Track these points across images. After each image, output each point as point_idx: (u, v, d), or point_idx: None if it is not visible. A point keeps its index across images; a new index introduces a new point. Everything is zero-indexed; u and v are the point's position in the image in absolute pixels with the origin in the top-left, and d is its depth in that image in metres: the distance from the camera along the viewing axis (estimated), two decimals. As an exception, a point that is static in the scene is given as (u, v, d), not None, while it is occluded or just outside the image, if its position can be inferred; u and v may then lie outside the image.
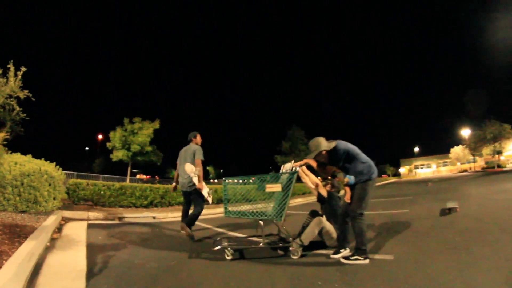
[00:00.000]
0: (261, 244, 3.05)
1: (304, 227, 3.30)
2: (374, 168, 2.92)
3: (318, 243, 3.23)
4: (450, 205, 4.99)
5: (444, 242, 3.09)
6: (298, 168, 3.10)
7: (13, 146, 6.46)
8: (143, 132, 21.94)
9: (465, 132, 41.52)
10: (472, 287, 1.90)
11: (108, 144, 22.52)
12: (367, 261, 2.60)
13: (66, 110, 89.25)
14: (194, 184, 4.07)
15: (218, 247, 3.01)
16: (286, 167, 3.34)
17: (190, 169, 4.11)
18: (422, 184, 16.89)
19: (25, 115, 7.50)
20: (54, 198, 4.49)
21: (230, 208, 3.28)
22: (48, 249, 2.91)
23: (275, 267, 2.65)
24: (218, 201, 8.40)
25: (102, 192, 6.41)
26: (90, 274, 2.30)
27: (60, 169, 5.20)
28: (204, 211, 4.72)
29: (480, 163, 44.69)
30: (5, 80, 6.42)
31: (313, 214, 3.46)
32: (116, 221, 5.35)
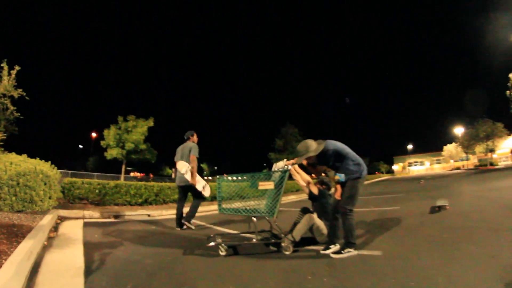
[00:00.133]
0: (254, 240, 3.14)
1: (295, 224, 3.39)
2: (363, 166, 3.03)
3: (309, 239, 3.32)
4: (440, 203, 5.08)
5: (431, 239, 3.19)
6: (290, 167, 3.18)
7: (7, 145, 6.45)
8: (137, 130, 21.85)
9: (459, 130, 42.13)
10: (454, 281, 1.97)
11: (102, 143, 22.39)
12: (356, 252, 2.79)
13: (59, 108, 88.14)
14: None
15: (212, 243, 3.07)
16: (279, 165, 3.42)
17: (181, 166, 4.34)
18: (415, 182, 17.10)
19: (19, 114, 7.47)
20: (49, 197, 4.51)
21: (224, 205, 3.37)
22: (45, 248, 2.95)
23: (267, 262, 2.74)
24: (212, 199, 8.45)
25: (97, 191, 6.42)
26: (88, 271, 2.34)
27: (55, 168, 5.22)
28: (199, 208, 4.83)
29: (473, 161, 45.34)
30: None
31: (304, 211, 3.55)
32: (112, 219, 5.39)
